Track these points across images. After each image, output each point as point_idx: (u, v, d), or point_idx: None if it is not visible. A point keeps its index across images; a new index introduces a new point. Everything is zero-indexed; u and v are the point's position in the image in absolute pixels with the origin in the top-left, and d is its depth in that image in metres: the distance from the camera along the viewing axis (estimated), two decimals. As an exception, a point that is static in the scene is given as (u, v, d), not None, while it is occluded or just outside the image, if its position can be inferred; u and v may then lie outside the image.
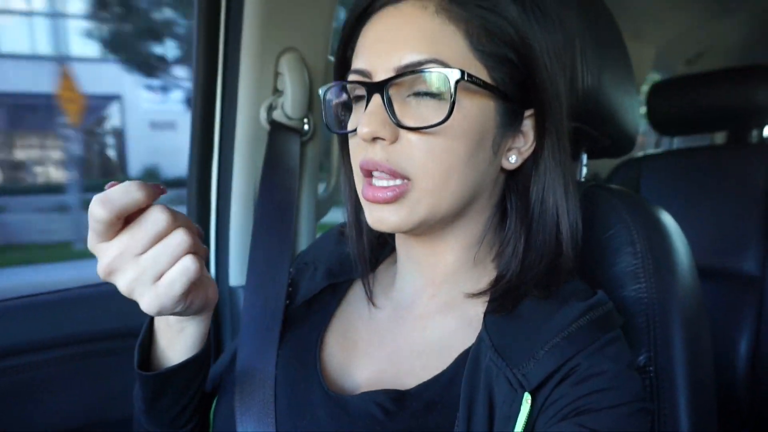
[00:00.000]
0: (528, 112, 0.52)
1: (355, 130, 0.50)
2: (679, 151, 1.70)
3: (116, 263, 0.42)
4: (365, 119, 0.48)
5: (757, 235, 1.31)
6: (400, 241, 0.59)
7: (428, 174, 0.48)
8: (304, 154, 0.99)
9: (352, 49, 0.54)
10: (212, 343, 1.00)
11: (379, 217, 0.50)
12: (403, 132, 0.48)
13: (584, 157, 0.79)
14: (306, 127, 0.96)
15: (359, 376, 0.55)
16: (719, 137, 2.30)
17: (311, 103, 0.96)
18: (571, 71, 0.63)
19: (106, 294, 0.92)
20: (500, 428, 0.44)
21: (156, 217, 0.43)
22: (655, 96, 1.60)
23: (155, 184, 0.43)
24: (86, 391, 0.88)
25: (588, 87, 0.65)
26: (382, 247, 0.64)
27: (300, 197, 1.00)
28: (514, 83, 0.50)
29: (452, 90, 0.46)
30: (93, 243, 0.43)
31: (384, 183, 0.49)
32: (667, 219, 0.63)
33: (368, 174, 0.50)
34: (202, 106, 0.96)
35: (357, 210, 0.60)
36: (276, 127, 0.92)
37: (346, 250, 0.64)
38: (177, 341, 0.55)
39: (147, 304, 0.44)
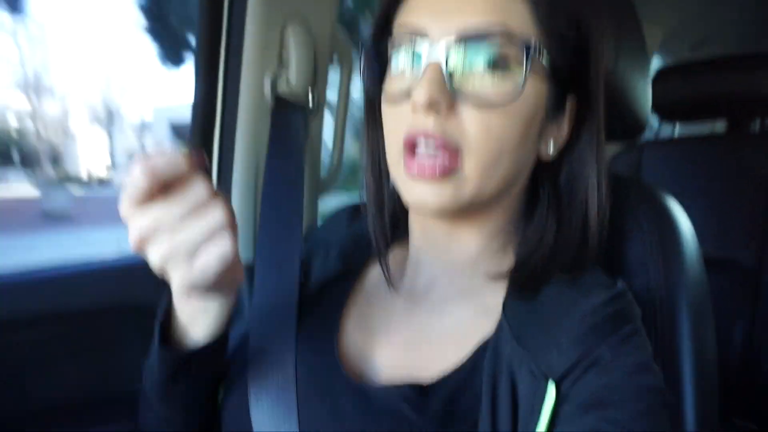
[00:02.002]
0: (568, 98, 0.50)
1: (406, 97, 0.46)
2: (679, 139, 1.69)
3: (150, 234, 0.39)
4: (424, 85, 0.43)
5: (755, 227, 1.32)
6: (418, 224, 0.56)
7: (482, 151, 0.45)
8: (307, 130, 0.97)
9: (396, 5, 0.49)
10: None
11: (421, 197, 0.46)
12: (459, 104, 0.45)
13: None
14: (310, 101, 0.94)
15: (379, 363, 0.53)
16: (720, 127, 2.30)
17: (316, 76, 0.94)
18: None
19: (113, 270, 0.91)
20: (525, 418, 0.43)
21: (196, 190, 0.39)
22: (659, 81, 1.58)
23: (199, 153, 0.41)
24: (91, 365, 0.87)
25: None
26: (395, 227, 0.61)
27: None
28: (566, 67, 0.47)
29: (526, 64, 0.43)
30: (126, 208, 0.39)
31: (431, 152, 0.45)
32: (676, 209, 0.63)
33: (411, 147, 0.46)
34: (204, 77, 0.93)
35: (380, 186, 0.57)
36: (280, 101, 0.90)
37: (359, 231, 0.62)
38: (200, 320, 0.51)
39: (179, 283, 0.40)
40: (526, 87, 0.45)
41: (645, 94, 0.72)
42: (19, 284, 0.83)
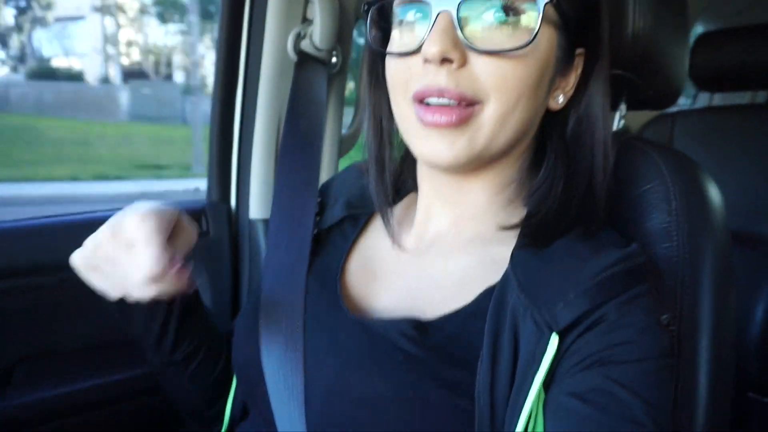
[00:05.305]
0: (577, 51, 0.50)
1: (416, 50, 0.45)
2: (715, 108, 1.63)
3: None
4: (434, 37, 0.43)
5: None
6: (427, 178, 0.57)
7: (500, 101, 0.45)
8: (330, 88, 0.96)
9: None
10: (230, 274, 1.02)
11: (434, 149, 0.47)
12: (472, 56, 0.44)
13: (623, 108, 0.76)
14: (334, 59, 0.93)
15: (379, 303, 0.55)
16: (761, 97, 2.20)
17: (341, 34, 0.92)
18: (621, 14, 0.60)
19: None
20: (523, 367, 0.43)
21: None
22: (700, 48, 1.51)
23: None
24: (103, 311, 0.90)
25: (638, 32, 0.61)
26: (403, 182, 0.62)
27: (324, 132, 0.98)
28: (576, 17, 0.48)
29: (540, 13, 0.43)
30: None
31: (446, 103, 0.45)
32: (707, 180, 0.61)
33: (421, 101, 0.46)
34: (227, 33, 0.93)
35: (381, 145, 0.58)
36: (303, 58, 0.89)
37: (367, 183, 0.62)
38: None
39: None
40: (540, 35, 0.45)
41: (682, 62, 0.69)
42: (45, 228, 0.86)
